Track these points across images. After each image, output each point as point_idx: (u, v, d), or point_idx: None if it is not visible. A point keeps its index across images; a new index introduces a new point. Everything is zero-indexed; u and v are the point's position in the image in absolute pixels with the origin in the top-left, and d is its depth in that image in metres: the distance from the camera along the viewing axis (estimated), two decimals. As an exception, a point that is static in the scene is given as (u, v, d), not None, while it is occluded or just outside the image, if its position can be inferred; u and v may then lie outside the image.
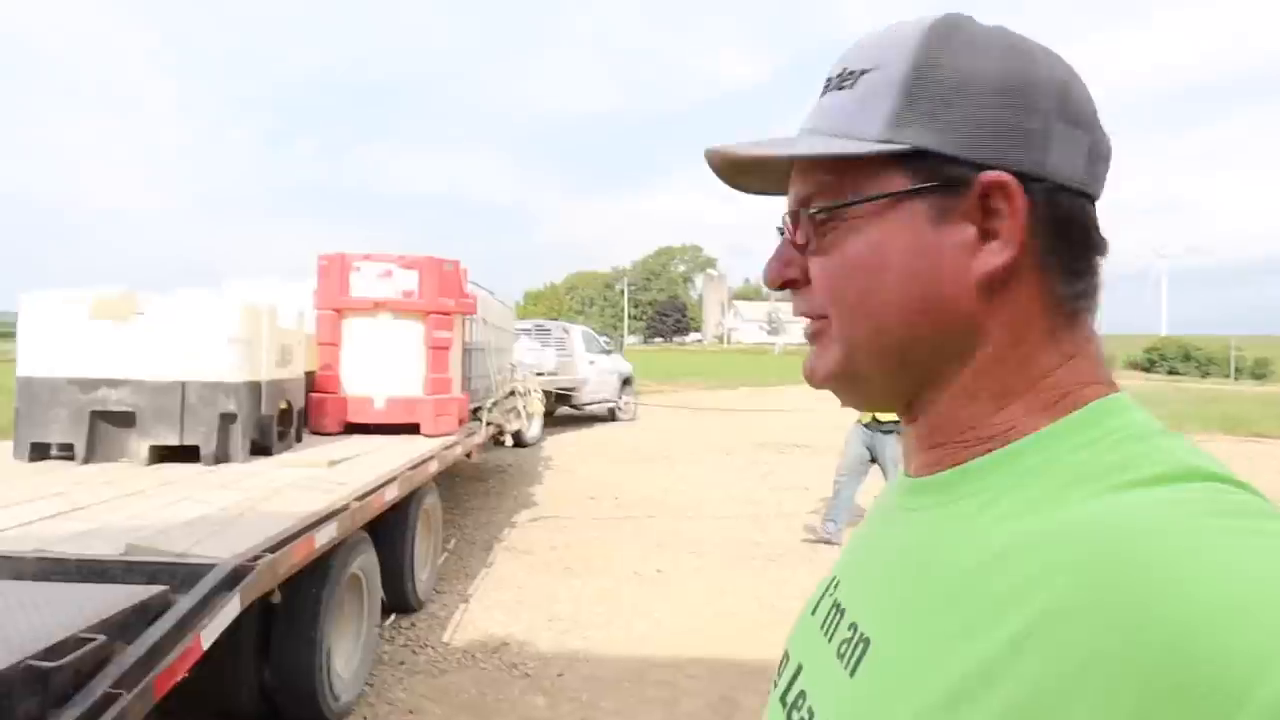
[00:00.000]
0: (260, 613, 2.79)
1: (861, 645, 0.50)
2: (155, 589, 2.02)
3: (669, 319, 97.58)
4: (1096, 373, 0.51)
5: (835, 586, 0.60)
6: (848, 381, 0.55)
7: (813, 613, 0.61)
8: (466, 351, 6.24)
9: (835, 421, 9.59)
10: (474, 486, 8.19)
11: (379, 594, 3.77)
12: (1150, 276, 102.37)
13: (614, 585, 5.10)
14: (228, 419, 3.97)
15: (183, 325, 3.96)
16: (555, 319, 22.23)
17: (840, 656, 0.52)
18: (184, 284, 5.48)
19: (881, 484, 4.28)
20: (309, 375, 5.16)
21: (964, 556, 0.45)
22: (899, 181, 0.51)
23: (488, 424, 6.76)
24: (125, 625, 1.83)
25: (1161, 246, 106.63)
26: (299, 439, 4.75)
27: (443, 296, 5.50)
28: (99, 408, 3.85)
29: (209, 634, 1.98)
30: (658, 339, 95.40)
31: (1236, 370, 43.07)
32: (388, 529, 4.08)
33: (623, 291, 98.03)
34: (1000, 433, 0.50)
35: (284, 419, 4.48)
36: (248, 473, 3.75)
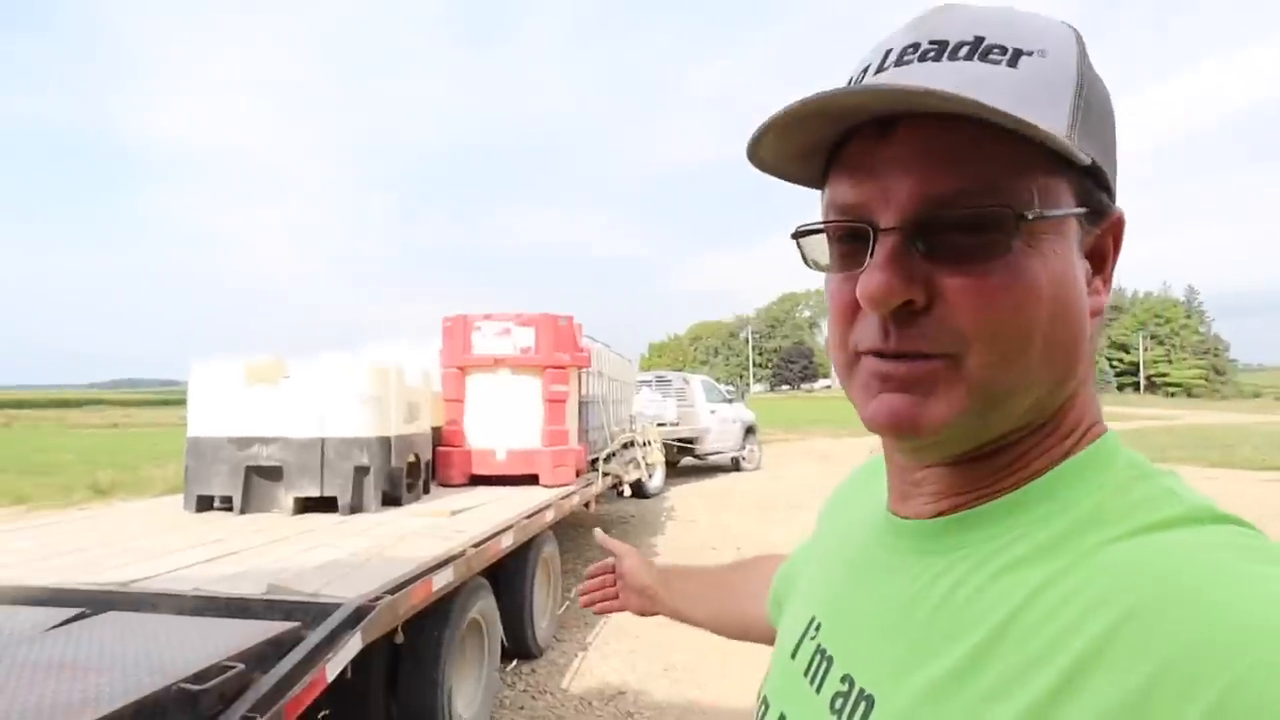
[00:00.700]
0: (388, 652, 3.00)
1: (863, 703, 0.47)
2: (289, 625, 2.23)
3: (795, 365, 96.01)
4: (1099, 409, 0.50)
5: (816, 629, 0.57)
6: (959, 436, 0.47)
7: (792, 657, 0.58)
8: (583, 404, 6.44)
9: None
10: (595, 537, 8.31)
11: (499, 639, 3.92)
12: None
13: (731, 636, 5.06)
14: (361, 472, 4.29)
15: (322, 386, 4.33)
16: (679, 370, 22.37)
17: (836, 712, 0.49)
18: (328, 348, 5.96)
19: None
20: (436, 430, 5.48)
21: (991, 603, 0.43)
22: (1068, 198, 0.45)
23: (605, 474, 6.90)
24: (262, 656, 2.04)
25: None
26: (427, 490, 5.04)
27: (558, 351, 5.73)
28: (253, 463, 4.25)
29: (333, 667, 2.17)
30: (784, 386, 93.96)
31: None
32: (507, 576, 4.27)
33: (747, 340, 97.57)
34: (1025, 468, 0.48)
35: (412, 471, 4.78)
36: (378, 521, 4.03)
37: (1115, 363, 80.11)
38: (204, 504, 4.32)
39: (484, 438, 5.68)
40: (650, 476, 10.25)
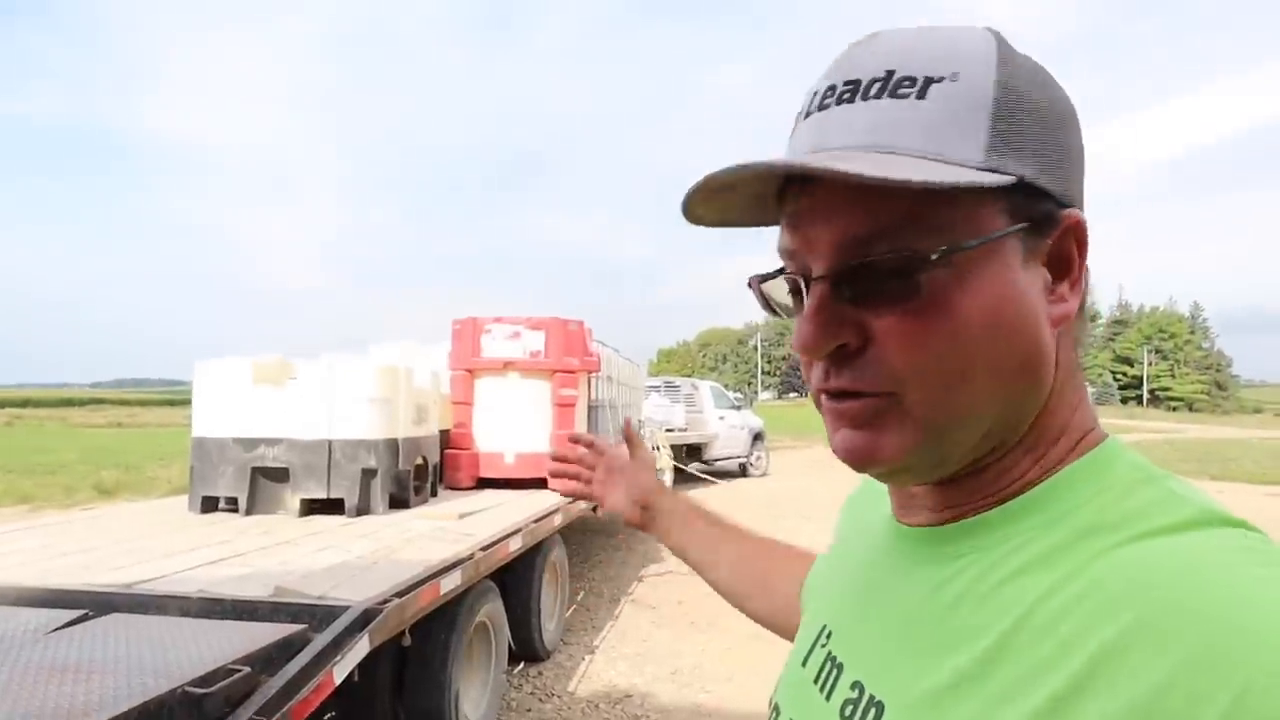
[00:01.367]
0: (395, 655, 2.96)
1: (874, 709, 0.47)
2: (296, 627, 2.20)
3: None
4: (1093, 416, 0.50)
5: (827, 637, 0.57)
6: (921, 465, 0.47)
7: (803, 664, 0.58)
8: (592, 408, 6.42)
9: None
10: (603, 541, 8.29)
11: (506, 642, 3.89)
12: None
13: (738, 640, 5.00)
14: (368, 474, 4.26)
15: (329, 387, 4.30)
16: (688, 376, 22.36)
17: (846, 719, 0.49)
18: (336, 349, 5.93)
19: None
20: (444, 433, 5.46)
21: (1000, 607, 0.43)
22: (997, 219, 0.44)
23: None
24: (269, 659, 2.00)
25: None
26: (434, 493, 5.02)
27: (568, 355, 5.71)
28: (259, 464, 4.22)
29: (341, 670, 2.13)
30: (792, 394, 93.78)
31: None
32: (515, 579, 4.23)
33: (756, 347, 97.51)
34: (1020, 479, 0.48)
35: (420, 474, 4.75)
36: (385, 524, 4.00)
37: (1119, 376, 79.67)
38: (209, 505, 4.30)
39: (493, 441, 5.65)
40: (657, 481, 10.18)
